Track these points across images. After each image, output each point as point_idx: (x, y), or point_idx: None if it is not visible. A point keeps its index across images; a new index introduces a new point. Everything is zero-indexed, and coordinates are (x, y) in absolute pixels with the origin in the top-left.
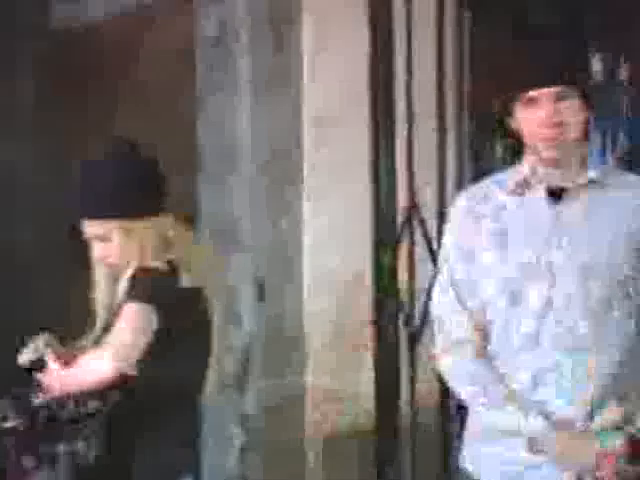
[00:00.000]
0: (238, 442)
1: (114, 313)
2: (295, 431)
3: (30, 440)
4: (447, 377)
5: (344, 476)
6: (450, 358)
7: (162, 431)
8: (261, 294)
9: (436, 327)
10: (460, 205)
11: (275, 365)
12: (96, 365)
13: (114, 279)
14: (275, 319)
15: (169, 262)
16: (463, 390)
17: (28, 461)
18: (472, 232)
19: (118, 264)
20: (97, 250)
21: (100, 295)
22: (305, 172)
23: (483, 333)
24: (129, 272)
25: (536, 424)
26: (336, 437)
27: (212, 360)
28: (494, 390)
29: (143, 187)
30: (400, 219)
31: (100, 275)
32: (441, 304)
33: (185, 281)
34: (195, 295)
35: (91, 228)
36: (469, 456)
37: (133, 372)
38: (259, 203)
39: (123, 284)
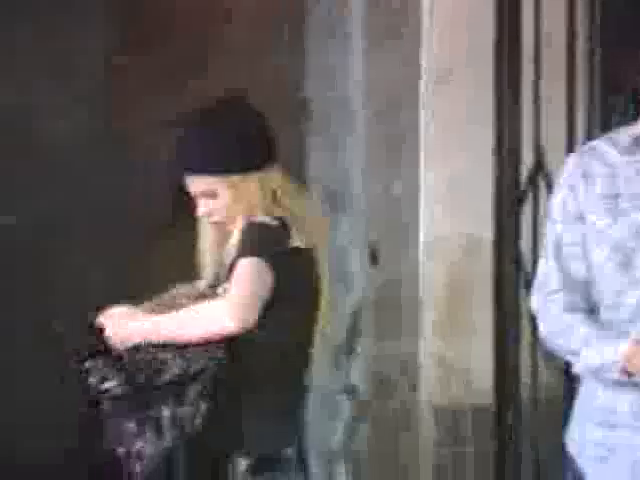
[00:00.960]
0: (346, 413)
1: (226, 269)
2: (407, 402)
3: (131, 403)
4: (543, 333)
5: (459, 450)
6: (546, 309)
7: (267, 400)
8: (374, 258)
9: (536, 286)
10: (571, 164)
11: (387, 332)
12: (216, 315)
13: (220, 235)
14: (388, 284)
15: (279, 219)
16: (559, 340)
17: (129, 426)
18: (583, 193)
19: (224, 221)
20: (202, 207)
21: (206, 251)
22: (422, 129)
23: (587, 301)
24: (238, 228)
25: (627, 347)
26: (452, 408)
27: (321, 326)
28: (588, 332)
29: (251, 141)
30: (524, 181)
31: (205, 231)
32: (546, 266)
33: (296, 240)
34: (306, 256)
35: (196, 184)
36: (571, 437)
37: (252, 327)
38: (372, 161)
39: (233, 241)
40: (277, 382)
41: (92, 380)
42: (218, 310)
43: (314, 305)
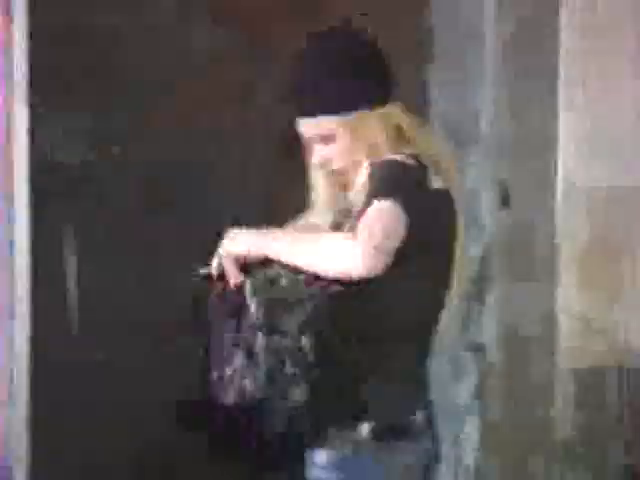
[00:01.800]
0: (473, 374)
1: (352, 219)
2: (542, 361)
3: (229, 323)
4: None
5: (600, 417)
6: None
7: (396, 358)
8: (505, 199)
9: None
10: None
11: (520, 282)
12: (344, 254)
13: (338, 185)
14: (520, 229)
15: (413, 157)
16: None
17: (225, 346)
18: None
19: (344, 167)
20: (318, 154)
21: (321, 204)
22: (560, 60)
23: None
24: (363, 172)
25: None
26: (593, 370)
27: (455, 276)
28: None
29: (368, 75)
30: None
31: (319, 182)
32: None
33: (435, 181)
34: (445, 198)
35: (309, 128)
36: None
37: (380, 271)
38: (503, 94)
39: (359, 184)
40: (408, 338)
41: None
42: (347, 250)
43: (451, 254)
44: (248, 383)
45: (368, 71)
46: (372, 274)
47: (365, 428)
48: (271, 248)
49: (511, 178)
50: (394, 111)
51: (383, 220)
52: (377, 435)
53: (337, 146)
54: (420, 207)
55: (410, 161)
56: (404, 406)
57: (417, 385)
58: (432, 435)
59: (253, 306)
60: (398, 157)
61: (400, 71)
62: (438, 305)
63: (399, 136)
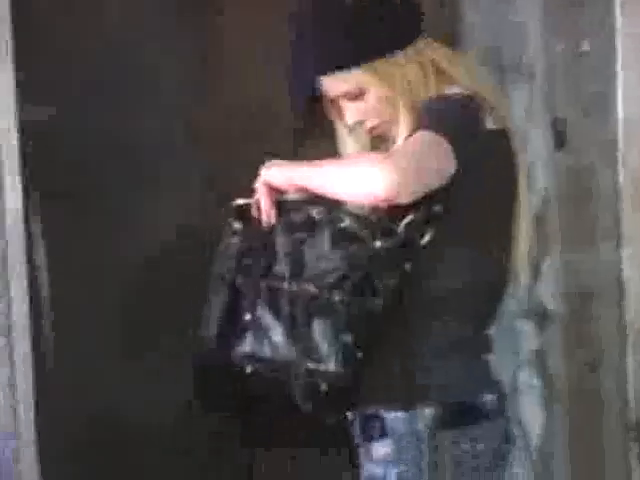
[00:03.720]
0: (531, 341)
1: None
2: (608, 325)
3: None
4: None
5: None
6: None
7: (460, 332)
8: (560, 140)
9: None
10: None
11: (579, 235)
12: (370, 166)
13: (377, 149)
14: (579, 173)
15: (461, 95)
16: None
17: (247, 293)
18: None
19: (381, 123)
20: (350, 114)
21: None
22: None
23: None
24: (403, 126)
25: None
26: None
27: (520, 232)
28: None
29: (392, 11)
30: None
31: (354, 148)
32: None
33: (489, 121)
34: (502, 141)
35: (332, 86)
36: None
37: (405, 200)
38: (553, 16)
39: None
40: (470, 307)
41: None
42: (372, 166)
43: (513, 207)
44: (266, 343)
45: (391, 6)
46: (395, 198)
47: (426, 413)
48: (298, 174)
49: (566, 116)
50: (427, 46)
51: (422, 145)
52: (441, 421)
53: (370, 99)
54: (473, 148)
55: (459, 97)
56: (471, 384)
57: (482, 360)
58: (504, 415)
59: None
60: (444, 94)
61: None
62: (503, 273)
63: (438, 74)
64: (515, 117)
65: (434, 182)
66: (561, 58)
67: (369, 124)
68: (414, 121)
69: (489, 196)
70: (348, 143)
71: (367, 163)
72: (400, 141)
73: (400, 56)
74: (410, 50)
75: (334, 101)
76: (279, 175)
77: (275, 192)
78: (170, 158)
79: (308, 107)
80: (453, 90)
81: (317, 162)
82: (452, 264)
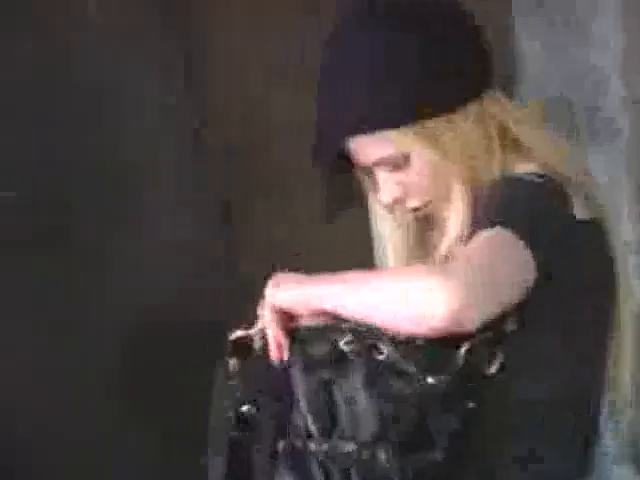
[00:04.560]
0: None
1: None
2: None
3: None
4: None
5: None
6: None
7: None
8: None
9: None
10: None
11: None
12: (424, 284)
13: (420, 235)
14: None
15: (540, 176)
16: None
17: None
18: None
19: (427, 202)
20: (387, 189)
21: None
22: None
23: None
24: (460, 207)
25: None
26: None
27: (622, 348)
28: None
29: (458, 55)
30: None
31: (390, 233)
32: None
33: (579, 209)
34: (596, 235)
35: (368, 149)
36: None
37: (469, 329)
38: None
39: (453, 233)
40: (559, 428)
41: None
42: (427, 284)
43: (610, 318)
44: None
45: (457, 47)
46: (459, 326)
47: None
48: (318, 292)
49: None
50: (494, 104)
51: (494, 252)
52: None
53: (413, 171)
54: (559, 250)
55: (539, 179)
56: None
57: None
58: None
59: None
60: (518, 174)
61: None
62: (590, 400)
63: (507, 143)
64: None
65: (509, 300)
66: None
67: (411, 204)
68: (471, 207)
69: (577, 307)
70: (385, 224)
71: (420, 278)
72: (452, 227)
73: (460, 115)
74: (473, 107)
75: (368, 170)
76: (291, 295)
77: (286, 318)
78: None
79: (339, 172)
80: (528, 167)
81: (344, 276)
82: (529, 392)
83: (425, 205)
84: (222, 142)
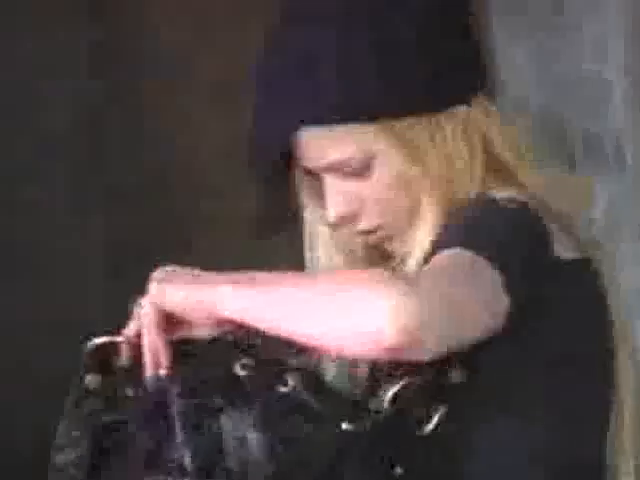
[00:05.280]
0: None
1: None
2: None
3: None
4: None
5: None
6: None
7: None
8: None
9: None
10: None
11: None
12: (374, 294)
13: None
14: None
15: (522, 202)
16: None
17: None
18: None
19: (383, 225)
20: (336, 202)
21: None
22: None
23: None
24: (425, 235)
25: None
26: None
27: (620, 419)
28: None
29: (448, 47)
30: None
31: (333, 258)
32: None
33: (564, 248)
34: (586, 279)
35: (321, 150)
36: None
37: (424, 354)
38: None
39: (415, 263)
40: None
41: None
42: (378, 294)
43: (605, 380)
44: None
45: (449, 39)
46: (412, 348)
47: None
48: (220, 294)
49: None
50: (482, 113)
51: (461, 271)
52: None
53: (375, 181)
54: (537, 289)
55: (516, 205)
56: None
57: None
58: None
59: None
60: (492, 195)
61: None
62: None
63: (489, 160)
64: (604, 226)
65: (472, 333)
66: None
67: (362, 224)
68: (437, 230)
69: (558, 363)
70: (323, 249)
71: (369, 284)
72: (412, 261)
73: (443, 118)
74: (459, 112)
75: (314, 175)
76: (184, 294)
77: (173, 324)
78: None
79: (280, 175)
80: (507, 191)
81: (258, 275)
82: (483, 460)
83: (376, 229)
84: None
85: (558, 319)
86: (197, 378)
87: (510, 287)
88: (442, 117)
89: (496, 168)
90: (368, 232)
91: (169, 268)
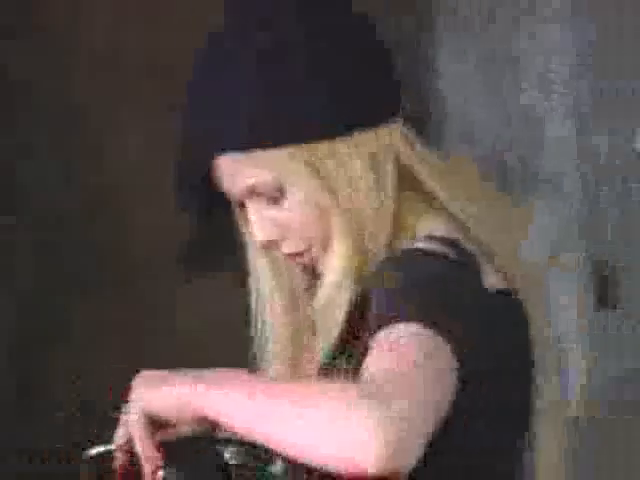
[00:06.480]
0: None
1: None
2: None
3: None
4: None
5: None
6: None
7: None
8: (604, 295)
9: None
10: None
11: None
12: (352, 420)
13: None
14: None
15: (446, 240)
16: None
17: None
18: None
19: (308, 249)
20: (260, 226)
21: (280, 315)
22: None
23: None
24: (332, 264)
25: None
26: None
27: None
28: None
29: (361, 70)
30: None
31: (267, 280)
32: None
33: (490, 278)
34: (510, 309)
35: (237, 176)
36: None
37: (407, 469)
38: (591, 98)
39: (345, 290)
40: None
41: None
42: (351, 408)
43: (526, 423)
44: None
45: (362, 59)
46: (395, 469)
47: None
48: (215, 401)
49: (614, 249)
50: (394, 137)
51: (427, 366)
52: None
53: (291, 206)
54: (478, 332)
55: (447, 250)
56: None
57: None
58: None
59: None
60: (420, 244)
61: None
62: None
63: (406, 185)
64: (530, 261)
65: (442, 408)
66: (605, 160)
67: (286, 248)
68: (358, 259)
69: (507, 397)
70: (263, 273)
71: (345, 406)
72: (327, 278)
73: (346, 142)
74: (364, 136)
75: (235, 201)
76: (165, 397)
77: (156, 426)
78: None
79: (207, 208)
80: (432, 222)
81: (236, 377)
82: None
83: (302, 253)
84: None
85: (489, 360)
86: (194, 474)
87: (464, 362)
88: (351, 143)
89: (420, 196)
90: (296, 255)
91: (148, 373)
